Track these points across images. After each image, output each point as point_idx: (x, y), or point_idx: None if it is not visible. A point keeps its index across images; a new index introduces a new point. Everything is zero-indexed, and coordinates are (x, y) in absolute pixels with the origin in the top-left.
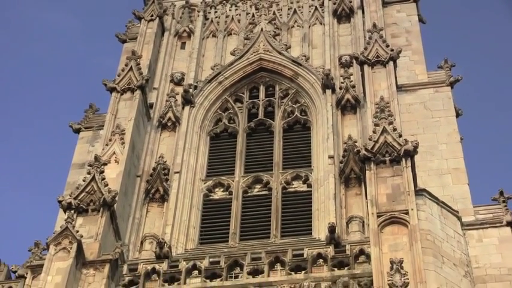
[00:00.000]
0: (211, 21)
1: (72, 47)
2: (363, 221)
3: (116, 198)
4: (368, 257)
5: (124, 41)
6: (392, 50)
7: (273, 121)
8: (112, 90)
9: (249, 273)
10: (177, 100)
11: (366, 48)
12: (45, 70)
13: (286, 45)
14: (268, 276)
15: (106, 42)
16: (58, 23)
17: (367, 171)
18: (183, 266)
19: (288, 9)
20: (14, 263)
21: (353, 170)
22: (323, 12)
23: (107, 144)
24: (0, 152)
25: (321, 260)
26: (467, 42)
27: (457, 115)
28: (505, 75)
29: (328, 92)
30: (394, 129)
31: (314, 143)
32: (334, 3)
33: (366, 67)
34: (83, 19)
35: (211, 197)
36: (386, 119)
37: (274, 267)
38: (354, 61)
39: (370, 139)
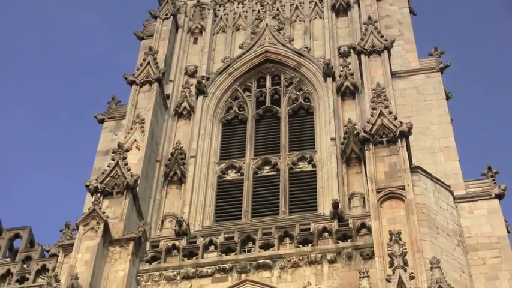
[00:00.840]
0: (221, 18)
1: (96, 44)
2: (364, 197)
3: (138, 182)
4: (369, 229)
5: (142, 38)
6: (386, 40)
7: (279, 108)
8: (132, 83)
9: (260, 247)
10: (191, 91)
11: (362, 39)
12: (72, 66)
13: (289, 38)
14: (279, 249)
15: (125, 39)
16: (84, 22)
17: (366, 152)
18: (200, 242)
19: (290, 5)
20: (47, 243)
21: (353, 150)
22: (322, 7)
23: (128, 133)
24: (33, 143)
25: (326, 234)
26: (455, 30)
27: (447, 98)
28: (491, 61)
29: (329, 80)
30: (390, 113)
31: (317, 127)
32: None
33: (362, 56)
34: (105, 19)
35: (224, 178)
36: (382, 103)
37: (283, 241)
38: (352, 51)
39: (368, 122)
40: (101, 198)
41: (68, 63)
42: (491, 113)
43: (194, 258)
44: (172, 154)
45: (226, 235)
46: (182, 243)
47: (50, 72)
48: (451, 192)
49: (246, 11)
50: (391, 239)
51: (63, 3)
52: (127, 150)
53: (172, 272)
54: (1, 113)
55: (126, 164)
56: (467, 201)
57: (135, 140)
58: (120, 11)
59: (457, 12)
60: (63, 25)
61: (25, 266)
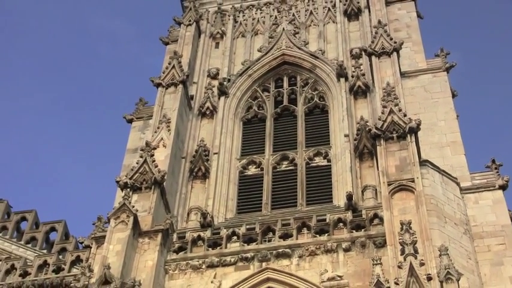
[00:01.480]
0: (240, 23)
1: (125, 49)
2: (376, 189)
3: (165, 177)
4: (381, 219)
5: (167, 43)
6: (395, 43)
7: (296, 106)
8: (158, 85)
9: (280, 237)
10: (213, 92)
11: (373, 42)
12: (102, 69)
13: (304, 41)
14: (297, 239)
15: (152, 45)
16: (114, 29)
17: (377, 147)
18: (224, 232)
19: (305, 10)
20: (81, 235)
21: (366, 146)
22: (335, 12)
23: (155, 132)
24: (68, 143)
25: (341, 224)
26: (461, 32)
27: (453, 96)
28: (494, 60)
29: (342, 80)
30: (400, 110)
31: (331, 124)
32: (345, 4)
33: (373, 58)
34: (133, 25)
35: (245, 173)
36: (392, 101)
37: (301, 231)
38: (363, 53)
39: (379, 119)
40: (130, 193)
41: (99, 66)
42: (494, 109)
43: (218, 248)
44: (196, 151)
45: (247, 226)
46: (207, 234)
47: (82, 75)
48: (458, 184)
49: (264, 17)
50: (402, 228)
51: (97, 11)
52: (154, 148)
53: (198, 261)
54: (41, 116)
55: (154, 161)
56: (473, 192)
57: (162, 139)
58: (147, 18)
59: (462, 15)
60: (96, 31)
61: (60, 257)
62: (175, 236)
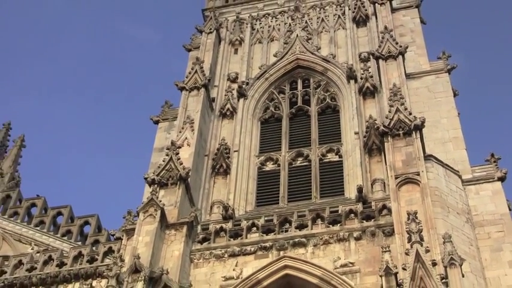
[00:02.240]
0: (257, 31)
1: (151, 55)
2: (384, 182)
3: (189, 174)
4: (389, 210)
5: (189, 50)
6: (400, 47)
7: (309, 107)
8: (182, 89)
9: (296, 228)
10: (233, 94)
11: (380, 46)
12: (130, 74)
13: (317, 46)
14: (312, 229)
15: (175, 51)
16: (141, 37)
17: (385, 143)
18: (244, 224)
19: (317, 18)
20: (113, 228)
21: (374, 142)
22: (345, 19)
23: (180, 132)
24: (100, 143)
25: (352, 215)
26: (461, 35)
27: (454, 95)
28: (493, 61)
29: (352, 82)
30: (405, 109)
31: (342, 123)
32: (353, 12)
33: (380, 61)
34: (159, 33)
35: (263, 169)
36: (398, 101)
37: (316, 222)
38: (371, 56)
39: (386, 117)
40: (157, 189)
41: (127, 72)
42: (493, 106)
43: (239, 238)
44: (218, 149)
45: (266, 218)
46: (228, 225)
47: (113, 79)
48: (460, 177)
49: (279, 24)
50: (408, 218)
51: (126, 20)
52: (179, 147)
53: (221, 250)
54: (77, 117)
55: (179, 159)
56: (474, 184)
57: (186, 138)
58: (171, 27)
59: (463, 19)
60: (125, 39)
61: (94, 248)
62: (199, 227)
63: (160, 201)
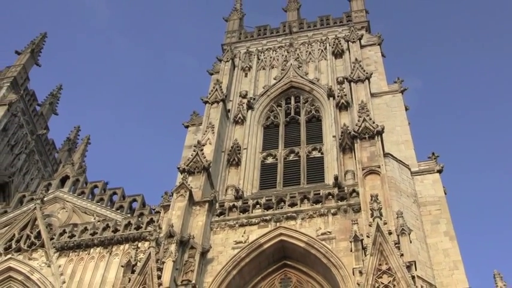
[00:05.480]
0: (262, 60)
1: (185, 77)
2: (354, 173)
3: (210, 165)
4: (357, 193)
5: (211, 74)
6: (367, 73)
7: (300, 116)
8: (206, 102)
9: (289, 205)
10: (243, 107)
11: (352, 73)
12: (169, 91)
13: (305, 72)
14: (300, 206)
15: (201, 75)
16: (180, 63)
17: (355, 144)
18: (250, 202)
19: (306, 51)
20: (154, 204)
21: (347, 143)
22: (326, 53)
23: (204, 134)
24: (147, 145)
25: (330, 196)
26: (413, 63)
27: (406, 109)
28: (439, 83)
29: (331, 99)
30: (370, 119)
31: (324, 129)
32: (333, 47)
33: (352, 83)
34: (192, 60)
35: (265, 162)
36: (365, 113)
37: (303, 202)
38: (345, 80)
39: (356, 125)
40: (187, 176)
41: (168, 90)
42: (436, 118)
43: (246, 213)
44: (232, 147)
45: (266, 198)
46: (239, 203)
47: (157, 95)
48: (409, 169)
49: (278, 56)
50: (371, 199)
51: (170, 48)
52: (203, 145)
53: (233, 222)
54: (129, 124)
55: (203, 154)
56: (419, 175)
57: (208, 139)
58: (199, 57)
59: (420, 50)
60: (167, 64)
61: (139, 219)
62: (217, 205)
63: (189, 185)
